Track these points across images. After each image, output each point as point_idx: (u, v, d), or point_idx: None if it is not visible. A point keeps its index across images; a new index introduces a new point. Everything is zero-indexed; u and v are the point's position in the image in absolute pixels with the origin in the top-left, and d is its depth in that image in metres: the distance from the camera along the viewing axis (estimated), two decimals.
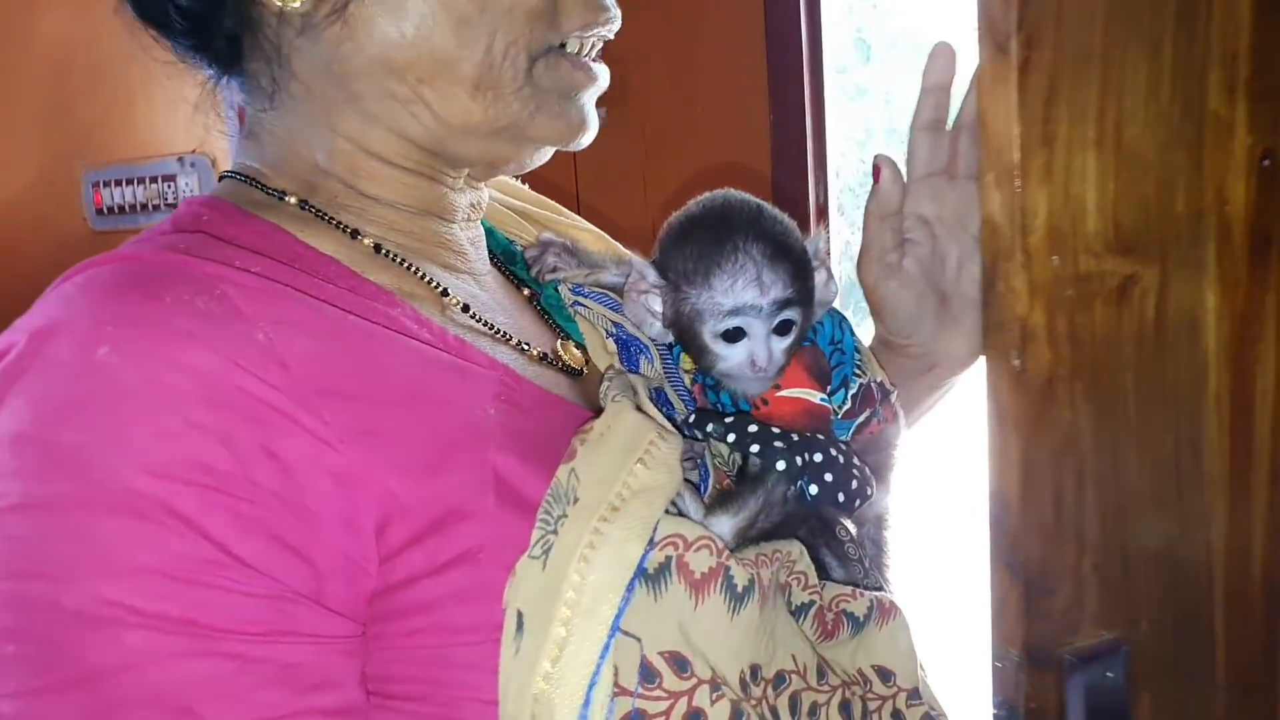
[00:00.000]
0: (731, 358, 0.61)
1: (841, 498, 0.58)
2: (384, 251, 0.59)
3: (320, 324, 0.51)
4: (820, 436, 0.60)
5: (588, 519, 0.49)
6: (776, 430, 0.59)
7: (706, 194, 0.65)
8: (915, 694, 0.60)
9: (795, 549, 0.58)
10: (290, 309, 0.50)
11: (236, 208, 0.57)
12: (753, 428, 0.59)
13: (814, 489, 0.57)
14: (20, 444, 0.44)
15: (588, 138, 0.61)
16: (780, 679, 0.53)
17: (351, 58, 0.55)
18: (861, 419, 0.64)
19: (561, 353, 0.65)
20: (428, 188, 0.61)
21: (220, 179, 0.61)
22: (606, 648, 0.47)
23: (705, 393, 0.66)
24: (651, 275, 0.64)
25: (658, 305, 0.64)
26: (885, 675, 0.59)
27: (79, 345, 0.45)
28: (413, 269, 0.60)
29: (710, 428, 0.60)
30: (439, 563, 0.49)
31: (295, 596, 0.46)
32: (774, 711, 0.52)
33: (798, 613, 0.57)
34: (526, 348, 0.61)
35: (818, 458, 0.58)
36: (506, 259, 0.72)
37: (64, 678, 0.42)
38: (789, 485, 0.57)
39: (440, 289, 0.60)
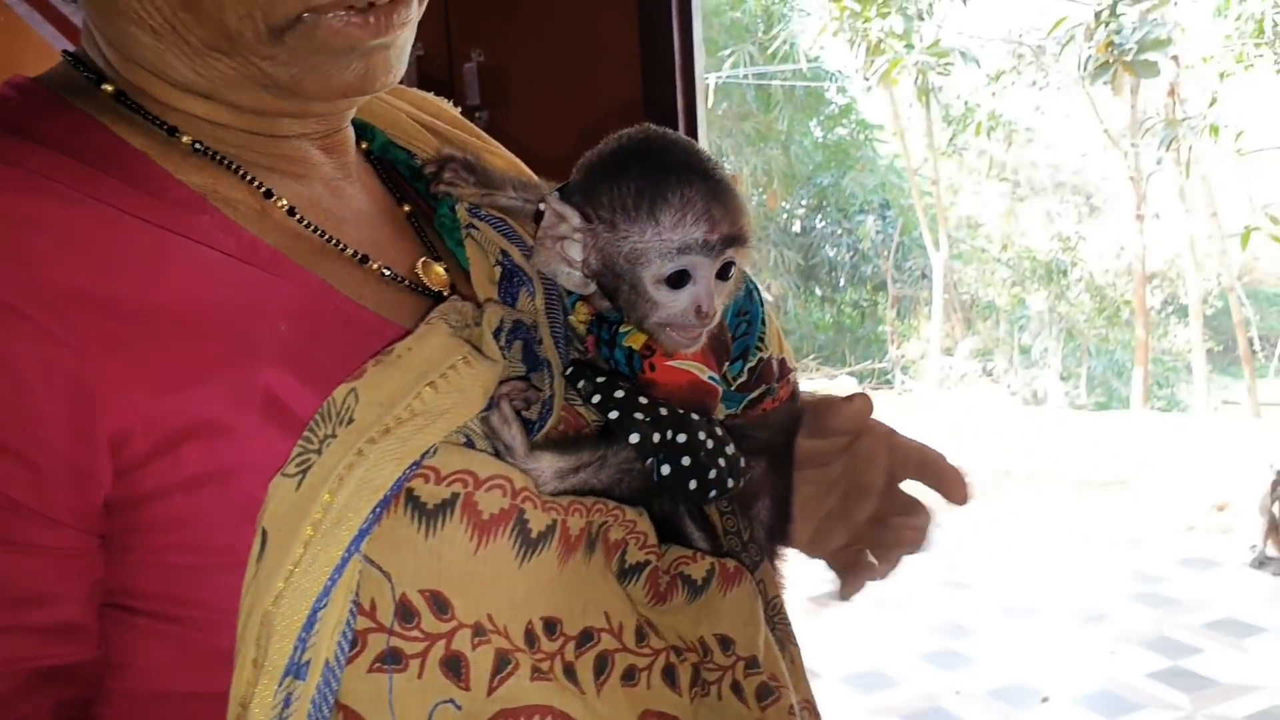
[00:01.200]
0: (674, 305, 0.55)
1: (693, 485, 0.54)
2: (204, 150, 0.56)
3: (87, 227, 0.48)
4: (696, 417, 0.55)
5: (354, 441, 0.46)
6: (646, 400, 0.55)
7: (625, 130, 0.58)
8: (754, 663, 0.57)
9: (632, 512, 0.55)
10: (53, 210, 0.47)
11: (55, 94, 0.55)
12: (620, 393, 0.55)
13: (665, 469, 0.53)
14: None
15: (377, 87, 0.58)
16: (587, 636, 0.50)
17: None
18: (755, 394, 0.60)
19: (421, 273, 0.60)
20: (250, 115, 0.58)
21: (63, 55, 0.58)
22: (340, 569, 0.44)
23: (599, 347, 0.60)
24: (575, 219, 0.56)
25: (578, 253, 0.57)
26: (725, 644, 0.57)
27: None
28: (237, 170, 0.56)
29: (581, 385, 0.56)
30: (188, 476, 0.46)
31: (10, 503, 0.43)
32: (570, 668, 0.49)
33: (630, 573, 0.54)
34: (365, 260, 0.58)
35: (681, 438, 0.54)
36: (411, 175, 0.68)
37: None
38: (640, 459, 0.53)
39: (264, 190, 0.56)
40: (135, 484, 0.46)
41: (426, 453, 0.48)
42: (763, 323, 0.60)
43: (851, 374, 12.11)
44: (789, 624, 0.65)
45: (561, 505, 0.50)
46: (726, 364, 0.58)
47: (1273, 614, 4.57)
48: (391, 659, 0.45)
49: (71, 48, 0.60)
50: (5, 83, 0.55)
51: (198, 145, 0.56)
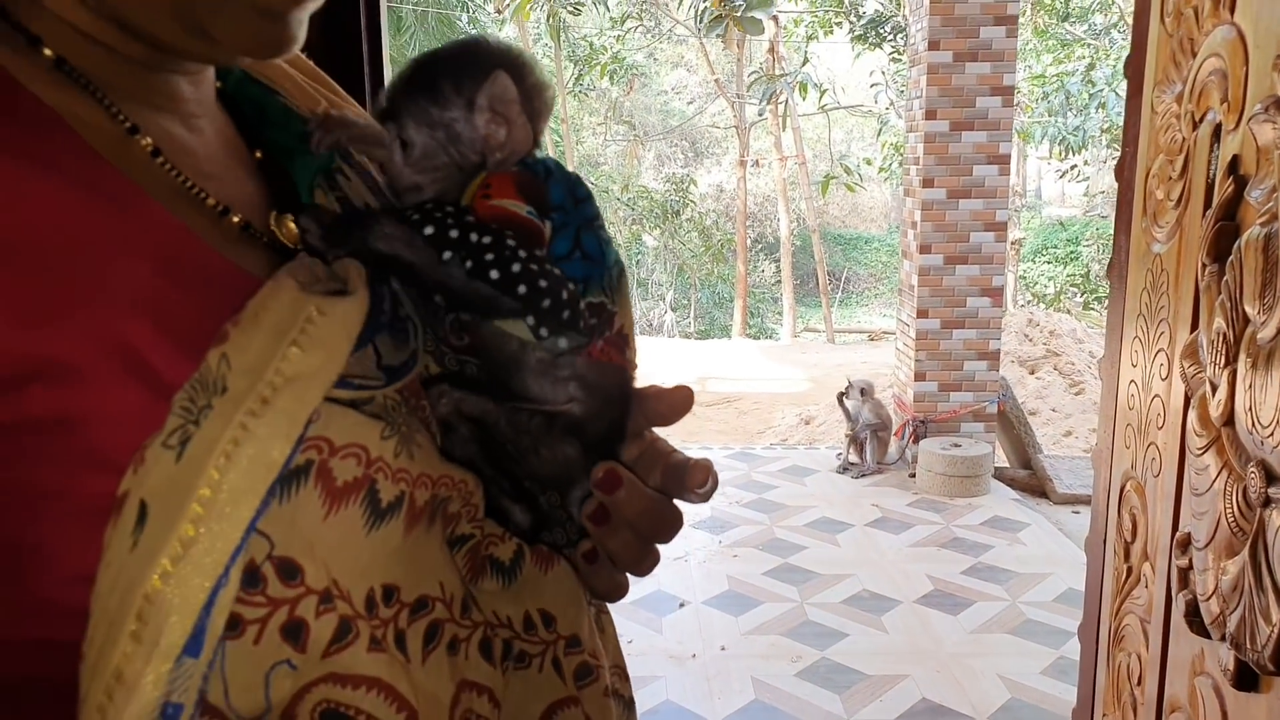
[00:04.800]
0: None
1: (522, 290, 0.53)
2: (67, 69, 0.51)
3: None
4: (512, 241, 0.54)
5: (232, 412, 0.45)
6: (466, 220, 0.54)
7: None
8: (575, 641, 0.59)
9: (471, 480, 0.55)
10: None
11: None
12: (440, 215, 0.54)
13: (469, 265, 0.52)
14: None
15: (285, 51, 0.54)
16: (421, 604, 0.51)
17: None
18: (587, 326, 0.58)
19: (274, 227, 0.57)
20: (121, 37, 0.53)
21: None
22: (238, 550, 0.44)
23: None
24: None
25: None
26: (548, 619, 0.58)
27: None
28: (101, 97, 0.51)
29: (413, 216, 0.54)
30: (30, 416, 0.43)
31: None
32: (400, 636, 0.50)
33: (455, 543, 0.55)
34: (226, 212, 0.54)
35: (487, 240, 0.53)
36: (259, 116, 0.63)
37: None
38: (437, 252, 0.52)
39: (129, 125, 0.52)
40: None
41: (309, 422, 0.46)
42: (615, 277, 0.60)
43: None
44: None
45: (410, 477, 0.51)
46: (548, 228, 0.57)
47: (856, 512, 5.37)
48: (229, 626, 0.44)
49: None
50: None
51: (61, 61, 0.50)
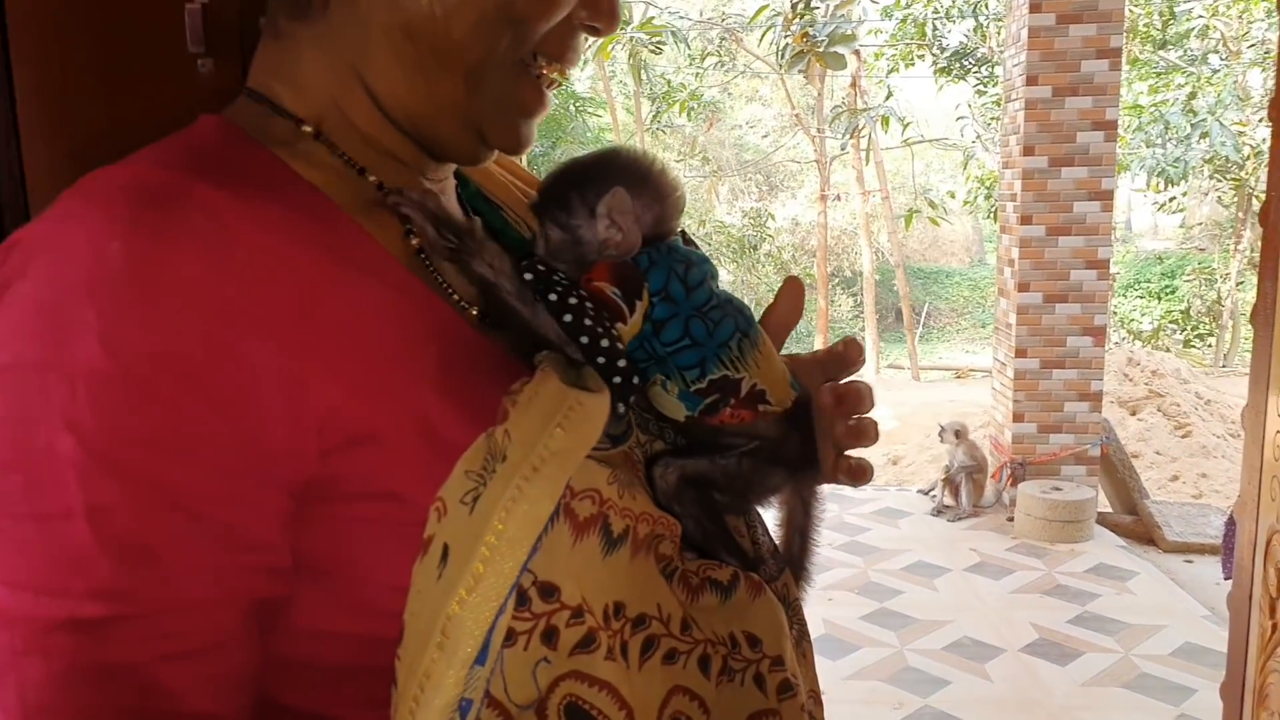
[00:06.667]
0: None
1: (584, 341, 0.61)
2: (384, 190, 0.64)
3: (287, 251, 0.56)
4: (591, 305, 0.63)
5: (511, 476, 0.56)
6: (561, 278, 0.64)
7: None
8: (779, 660, 0.66)
9: (676, 524, 0.65)
10: (268, 236, 0.56)
11: (245, 134, 0.62)
12: (546, 266, 0.64)
13: (553, 296, 0.62)
14: (39, 312, 0.51)
15: (528, 148, 0.69)
16: (640, 620, 0.61)
17: (380, 7, 0.61)
18: (710, 400, 0.67)
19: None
20: (409, 147, 0.67)
21: (241, 93, 0.66)
22: (514, 586, 0.55)
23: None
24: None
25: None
26: (753, 641, 0.66)
27: (95, 238, 0.52)
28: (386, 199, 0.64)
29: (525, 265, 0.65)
30: (356, 470, 0.56)
31: (246, 471, 0.53)
32: (625, 646, 0.59)
33: (668, 575, 0.64)
34: (464, 306, 0.66)
35: (572, 299, 0.62)
36: (488, 218, 0.76)
37: (45, 511, 0.49)
38: (518, 271, 0.63)
39: (407, 229, 0.65)
40: (325, 465, 0.55)
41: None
42: (736, 345, 0.67)
43: None
44: (804, 622, 0.75)
45: (633, 514, 0.61)
46: (639, 308, 0.65)
47: (953, 556, 5.23)
48: (506, 639, 0.55)
49: None
50: (202, 119, 0.63)
51: (381, 185, 0.65)
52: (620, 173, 0.67)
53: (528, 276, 0.63)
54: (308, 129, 0.64)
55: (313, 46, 0.64)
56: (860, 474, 0.72)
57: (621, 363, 0.63)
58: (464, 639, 0.54)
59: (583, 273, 0.65)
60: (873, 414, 0.71)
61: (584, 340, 0.61)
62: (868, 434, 0.71)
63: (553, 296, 0.62)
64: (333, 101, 0.64)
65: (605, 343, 0.62)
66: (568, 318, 0.61)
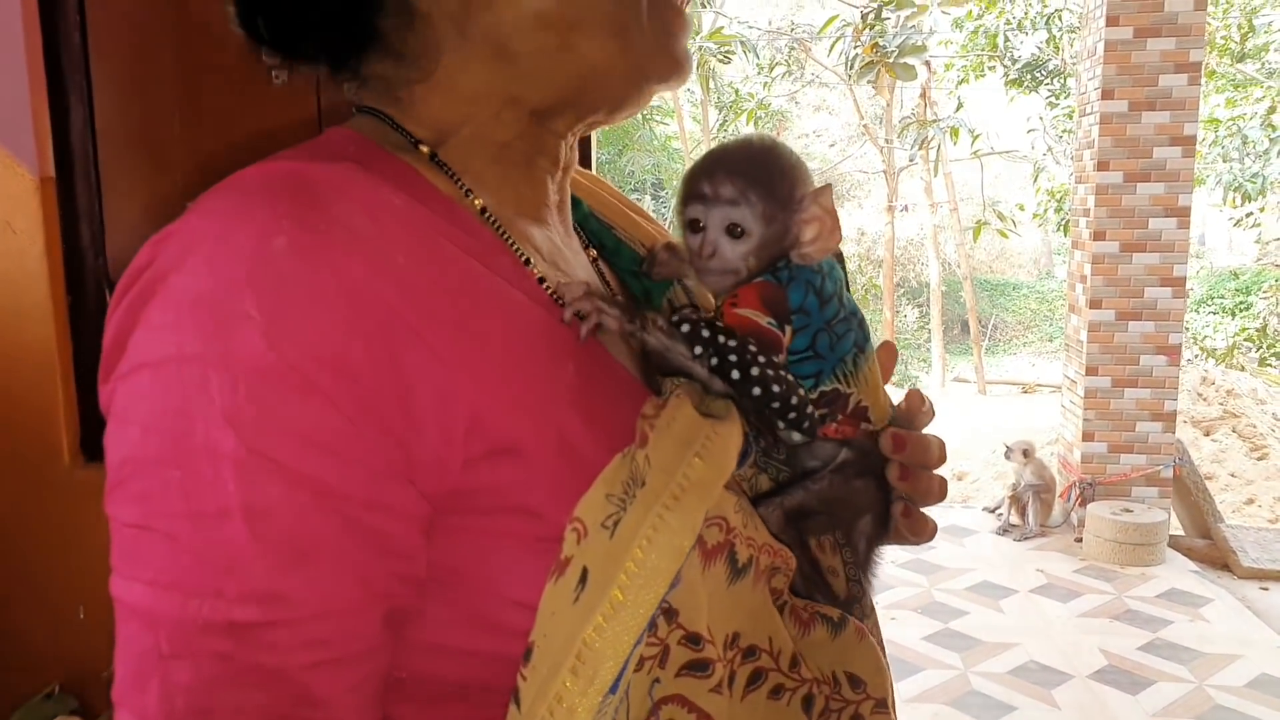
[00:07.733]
0: (691, 245, 0.66)
1: (757, 392, 0.60)
2: (487, 215, 0.64)
3: (442, 257, 0.56)
4: (754, 348, 0.61)
5: (651, 503, 0.54)
6: (716, 324, 0.62)
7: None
8: (883, 704, 0.65)
9: (791, 557, 0.63)
10: (420, 241, 0.56)
11: (378, 145, 0.62)
12: (698, 315, 0.62)
13: (714, 362, 0.60)
14: (200, 304, 0.49)
15: (688, 78, 0.67)
16: (751, 651, 0.60)
17: (505, 17, 0.60)
18: (820, 413, 0.65)
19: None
20: (538, 138, 0.66)
21: (356, 111, 0.65)
22: (654, 618, 0.53)
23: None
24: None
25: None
26: (855, 682, 0.65)
27: (258, 233, 0.50)
28: (504, 234, 0.64)
29: (676, 311, 0.64)
30: (493, 481, 0.55)
31: (396, 475, 0.52)
32: (732, 676, 0.58)
33: (779, 609, 0.63)
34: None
35: (732, 343, 0.60)
36: (599, 249, 0.77)
37: (201, 509, 0.48)
38: (689, 347, 0.60)
39: (525, 258, 0.64)
40: (467, 476, 0.54)
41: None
42: (851, 361, 0.66)
43: None
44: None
45: (757, 544, 0.60)
46: (789, 332, 0.63)
47: (1019, 576, 5.16)
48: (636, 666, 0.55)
49: None
50: (330, 131, 0.62)
51: (484, 210, 0.64)
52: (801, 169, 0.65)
53: (685, 329, 0.60)
54: (424, 148, 0.63)
55: (429, 90, 0.63)
56: (921, 529, 0.69)
57: (795, 400, 0.61)
58: (600, 666, 0.52)
59: (724, 288, 0.64)
60: (939, 429, 0.70)
61: (757, 392, 0.60)
62: (931, 490, 0.68)
63: (734, 371, 0.59)
64: (455, 128, 0.64)
65: (778, 388, 0.60)
66: (756, 390, 0.59)
